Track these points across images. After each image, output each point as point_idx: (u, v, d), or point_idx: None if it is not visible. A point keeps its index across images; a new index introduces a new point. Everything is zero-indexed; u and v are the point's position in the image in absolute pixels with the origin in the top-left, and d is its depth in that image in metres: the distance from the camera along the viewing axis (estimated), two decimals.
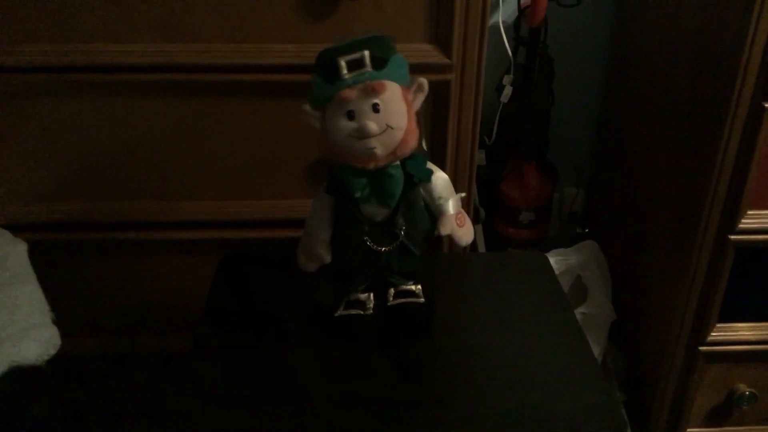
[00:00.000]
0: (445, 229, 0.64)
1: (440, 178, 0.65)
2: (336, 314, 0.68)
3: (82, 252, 0.96)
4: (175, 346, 0.96)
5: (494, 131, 1.24)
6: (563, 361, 0.65)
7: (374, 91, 0.58)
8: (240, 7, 0.80)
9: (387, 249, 0.64)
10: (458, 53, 0.82)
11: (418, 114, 0.62)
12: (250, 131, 0.87)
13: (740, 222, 0.90)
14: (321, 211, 0.65)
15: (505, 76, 1.20)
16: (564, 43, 1.28)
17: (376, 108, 0.58)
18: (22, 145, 0.87)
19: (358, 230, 0.63)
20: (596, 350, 1.12)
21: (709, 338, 0.99)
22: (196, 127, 0.87)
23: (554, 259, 1.20)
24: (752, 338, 1.00)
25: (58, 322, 0.70)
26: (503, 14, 1.25)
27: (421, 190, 0.64)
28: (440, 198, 0.65)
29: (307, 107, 0.60)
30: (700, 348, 1.00)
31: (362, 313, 0.68)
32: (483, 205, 1.31)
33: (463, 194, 0.68)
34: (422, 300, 0.69)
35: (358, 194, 0.61)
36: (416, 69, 0.63)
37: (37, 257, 0.75)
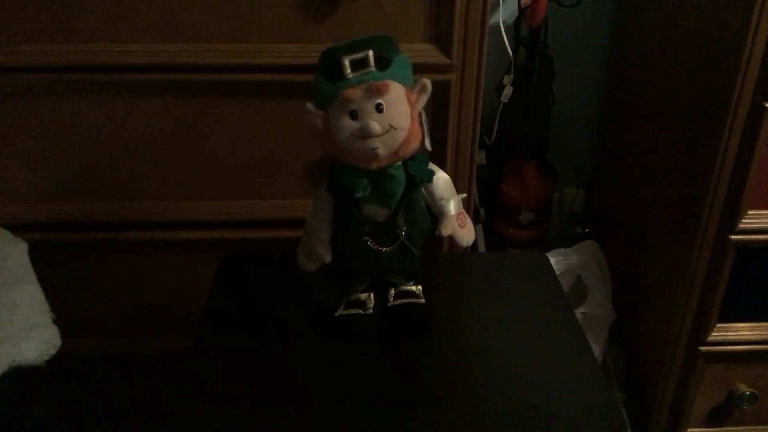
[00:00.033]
0: (446, 230, 0.64)
1: (442, 179, 0.65)
2: (336, 314, 0.68)
3: (82, 252, 0.96)
4: (175, 346, 0.96)
5: (494, 131, 1.24)
6: (563, 361, 0.65)
7: (378, 91, 0.57)
8: (240, 7, 0.80)
9: (387, 249, 0.64)
10: (458, 53, 0.82)
11: (420, 114, 0.62)
12: (250, 131, 0.87)
13: (740, 222, 0.90)
14: (321, 211, 0.65)
15: (506, 76, 1.20)
16: (564, 43, 1.28)
17: (379, 108, 0.58)
18: (22, 145, 0.87)
19: (358, 231, 0.63)
20: (596, 350, 1.12)
21: (710, 338, 0.99)
22: (196, 127, 0.87)
23: (554, 259, 1.20)
24: (752, 338, 1.00)
25: (58, 322, 0.70)
26: (503, 14, 1.25)
27: (423, 191, 0.64)
28: (442, 199, 0.65)
29: (310, 106, 0.60)
30: (701, 348, 1.00)
31: (362, 312, 0.68)
32: (483, 205, 1.31)
33: (464, 195, 0.68)
34: (422, 301, 0.69)
35: (359, 194, 0.61)
36: (416, 69, 0.62)
37: (37, 257, 0.75)
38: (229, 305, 0.73)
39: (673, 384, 1.05)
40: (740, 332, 0.99)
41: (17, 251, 0.75)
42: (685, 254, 0.95)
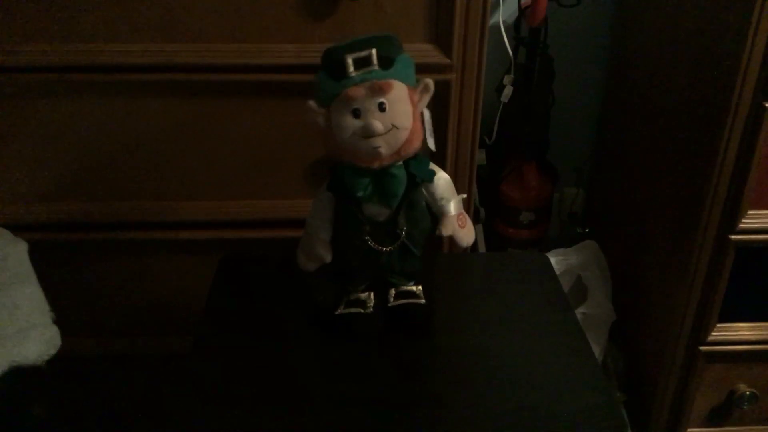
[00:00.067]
0: (446, 230, 0.64)
1: (442, 179, 0.65)
2: (336, 313, 0.68)
3: (82, 252, 0.96)
4: (175, 346, 0.96)
5: (494, 131, 1.24)
6: (563, 361, 0.65)
7: (381, 90, 0.57)
8: (240, 7, 0.80)
9: (388, 249, 0.64)
10: (458, 53, 0.82)
11: (423, 114, 0.62)
12: (250, 131, 0.87)
13: (740, 222, 0.90)
14: (322, 210, 0.65)
15: (506, 76, 1.20)
16: (564, 43, 1.28)
17: (382, 107, 0.58)
18: (22, 145, 0.87)
19: (359, 230, 0.63)
20: (596, 350, 1.12)
21: (710, 338, 0.99)
22: (196, 127, 0.87)
23: (554, 259, 1.20)
24: (752, 338, 1.00)
25: (58, 322, 0.70)
26: (503, 14, 1.25)
27: (423, 191, 0.64)
28: (442, 199, 0.65)
29: (312, 104, 0.60)
30: (701, 348, 1.00)
31: (362, 311, 0.68)
32: (483, 205, 1.31)
33: (464, 195, 0.68)
34: (423, 301, 0.68)
35: (360, 193, 0.61)
36: (416, 69, 0.62)
37: (37, 257, 0.75)
38: (229, 305, 0.73)
39: (673, 384, 1.05)
40: (740, 332, 0.99)
41: (17, 251, 0.75)
42: (685, 254, 0.95)
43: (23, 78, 0.82)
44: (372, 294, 0.69)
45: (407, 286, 0.69)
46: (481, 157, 1.25)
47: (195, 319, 0.72)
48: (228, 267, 0.78)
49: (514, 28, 1.23)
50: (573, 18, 1.27)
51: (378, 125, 0.57)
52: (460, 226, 0.65)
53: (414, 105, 0.60)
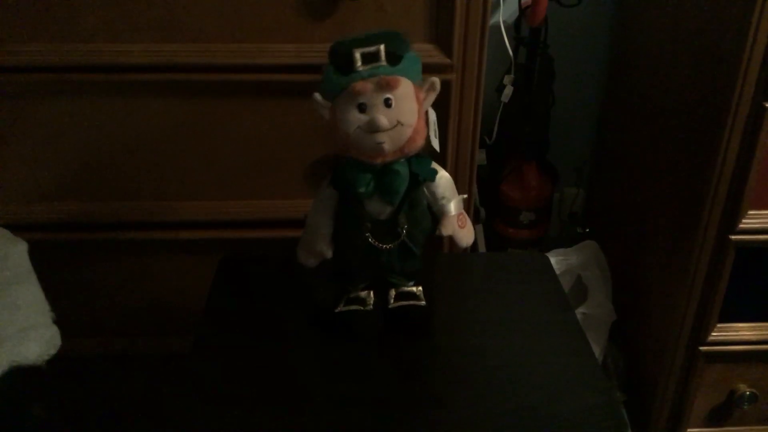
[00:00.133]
0: (446, 230, 0.64)
1: (444, 179, 0.65)
2: (336, 310, 0.68)
3: (82, 252, 0.96)
4: (175, 346, 0.97)
5: (494, 131, 1.24)
6: (563, 361, 0.65)
7: (388, 86, 0.57)
8: (240, 7, 0.79)
9: (388, 247, 0.64)
10: (459, 53, 0.82)
11: (427, 114, 0.62)
12: (250, 131, 0.87)
13: (741, 222, 0.90)
14: (323, 206, 0.65)
15: (506, 76, 1.20)
16: (564, 43, 1.28)
17: (388, 103, 0.58)
18: (22, 145, 0.87)
19: (360, 228, 0.63)
20: (596, 350, 1.12)
21: (710, 338, 0.99)
22: (196, 127, 0.87)
23: (554, 259, 1.20)
24: (753, 338, 1.00)
25: (58, 322, 0.70)
26: (504, 14, 1.25)
27: (425, 190, 0.64)
28: (443, 198, 0.65)
29: (318, 96, 0.60)
30: (701, 348, 1.00)
31: (362, 309, 0.68)
32: (483, 205, 1.31)
33: (465, 195, 0.68)
34: (423, 303, 0.68)
35: (362, 189, 0.61)
36: None
37: (37, 257, 0.75)
38: (229, 305, 0.73)
39: (673, 384, 1.05)
40: (740, 332, 0.99)
41: (17, 251, 0.75)
42: (685, 254, 0.95)
43: (23, 78, 0.82)
44: (371, 292, 0.69)
45: (407, 286, 0.69)
46: (481, 157, 1.25)
47: (195, 319, 0.72)
48: (228, 267, 0.78)
49: (515, 28, 1.23)
50: (573, 18, 1.27)
51: (383, 120, 0.57)
52: (460, 226, 0.65)
53: (420, 103, 0.60)
